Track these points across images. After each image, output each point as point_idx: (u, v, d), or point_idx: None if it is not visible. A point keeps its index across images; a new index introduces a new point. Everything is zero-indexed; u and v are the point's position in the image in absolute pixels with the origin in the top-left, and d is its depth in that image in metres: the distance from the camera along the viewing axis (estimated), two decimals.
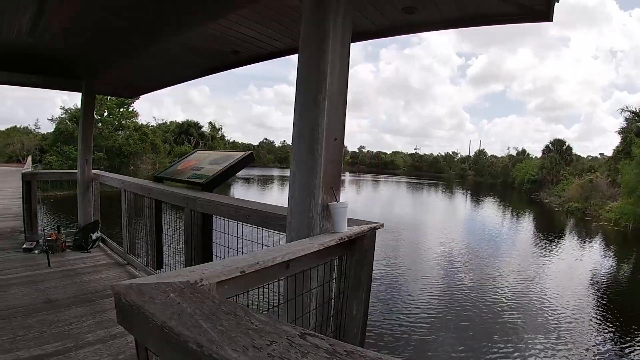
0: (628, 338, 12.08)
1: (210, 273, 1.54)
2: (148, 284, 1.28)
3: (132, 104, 38.52)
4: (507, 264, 20.25)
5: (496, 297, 14.80)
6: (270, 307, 2.39)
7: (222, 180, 4.89)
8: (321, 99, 2.52)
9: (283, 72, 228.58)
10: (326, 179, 2.64)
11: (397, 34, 3.64)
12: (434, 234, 27.63)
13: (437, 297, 14.30)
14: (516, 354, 10.56)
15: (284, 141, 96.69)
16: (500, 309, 13.61)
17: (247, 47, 4.39)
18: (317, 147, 2.56)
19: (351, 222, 2.83)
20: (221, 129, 56.75)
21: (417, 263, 19.20)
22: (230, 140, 60.47)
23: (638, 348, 11.39)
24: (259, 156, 79.27)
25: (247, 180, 52.21)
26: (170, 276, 1.44)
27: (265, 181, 54.56)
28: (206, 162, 5.30)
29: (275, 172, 68.15)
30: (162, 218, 5.40)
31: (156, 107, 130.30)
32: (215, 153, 5.64)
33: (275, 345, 0.92)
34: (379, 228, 2.98)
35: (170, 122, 54.20)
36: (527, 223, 35.96)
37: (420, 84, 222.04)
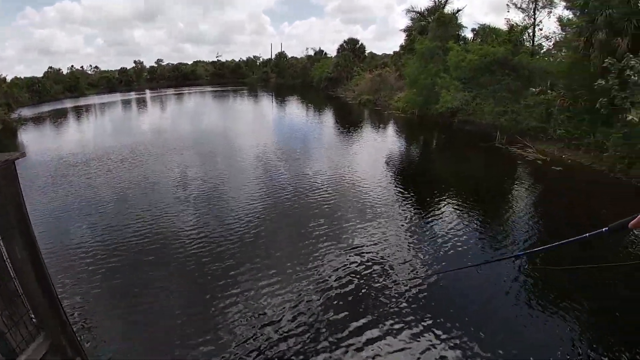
0: (424, 201, 13.29)
1: None
2: None
3: None
4: (316, 156, 20.51)
5: (312, 187, 14.76)
6: None
7: None
8: None
9: None
10: None
11: None
12: (244, 139, 25.99)
13: (258, 197, 13.73)
14: (339, 232, 10.73)
15: (72, 66, 76.65)
16: (318, 197, 13.59)
17: None
18: None
19: None
20: None
21: (230, 170, 17.88)
22: (6, 78, 44.01)
23: (433, 208, 12.51)
24: (45, 89, 60.73)
25: (36, 120, 39.05)
26: None
27: (58, 116, 41.78)
28: None
29: (68, 104, 53.10)
30: None
31: None
32: None
33: None
34: (18, 158, 2.66)
35: None
36: (326, 117, 36.21)
37: None
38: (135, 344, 7.01)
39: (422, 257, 9.44)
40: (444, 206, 12.61)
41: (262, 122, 34.86)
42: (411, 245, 10.05)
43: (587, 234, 2.57)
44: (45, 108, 46.71)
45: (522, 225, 11.22)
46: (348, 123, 31.33)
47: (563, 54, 20.70)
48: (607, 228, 2.28)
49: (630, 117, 14.04)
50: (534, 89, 19.77)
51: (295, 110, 41.66)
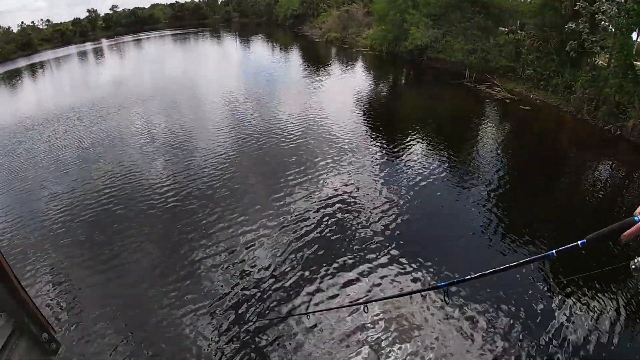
0: (394, 141, 12.89)
1: None
2: None
3: None
4: (284, 99, 19.69)
5: (283, 128, 14.40)
6: None
7: None
8: None
9: None
10: None
11: None
12: (209, 84, 24.56)
13: (227, 146, 13.18)
14: (311, 176, 10.54)
15: (22, 23, 68.67)
16: (289, 140, 13.22)
17: None
18: None
19: None
20: None
21: (196, 119, 16.92)
22: None
23: (403, 149, 12.28)
24: None
25: None
26: None
27: (11, 78, 37.63)
28: None
29: (22, 63, 47.64)
30: None
31: None
32: None
33: None
34: None
35: None
36: (293, 56, 34.59)
37: None
38: (109, 310, 6.60)
39: (393, 196, 9.35)
40: (413, 147, 12.39)
41: (226, 65, 32.84)
42: (382, 185, 9.95)
43: (554, 251, 1.83)
44: None
45: (490, 166, 11.13)
46: (315, 62, 29.93)
47: None
48: (583, 241, 1.68)
49: (598, 61, 13.86)
50: (503, 28, 19.18)
51: (260, 50, 39.46)
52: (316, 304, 6.22)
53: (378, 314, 5.96)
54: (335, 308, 6.22)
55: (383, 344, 5.52)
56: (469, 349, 5.46)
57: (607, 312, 5.90)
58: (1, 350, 2.33)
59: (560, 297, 6.25)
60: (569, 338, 5.52)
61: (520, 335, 5.56)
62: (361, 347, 5.46)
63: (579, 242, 1.67)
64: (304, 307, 6.20)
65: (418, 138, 13.09)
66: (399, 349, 5.46)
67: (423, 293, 6.46)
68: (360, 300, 6.22)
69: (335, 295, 6.36)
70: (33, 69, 42.25)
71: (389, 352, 5.41)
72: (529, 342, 5.49)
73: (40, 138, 16.10)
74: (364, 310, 5.04)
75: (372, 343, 5.54)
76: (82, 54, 50.65)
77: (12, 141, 16.21)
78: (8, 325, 2.65)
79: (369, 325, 5.82)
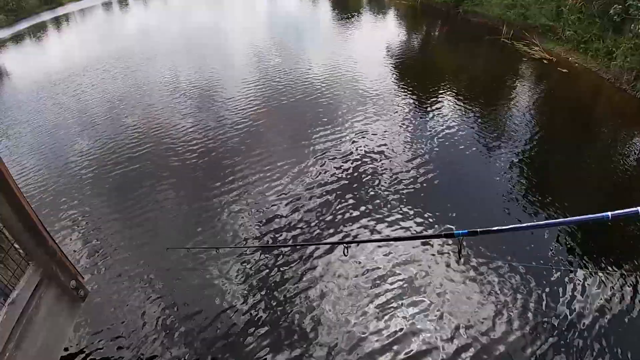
0: (424, 97, 13.20)
1: None
2: None
3: None
4: (313, 49, 19.66)
5: (312, 81, 14.65)
6: None
7: None
8: None
9: None
10: None
11: None
12: (236, 35, 24.68)
13: (255, 97, 13.73)
14: (338, 126, 11.13)
15: None
16: (316, 92, 13.63)
17: None
18: None
19: None
20: None
21: (224, 70, 17.39)
22: None
23: (433, 102, 12.70)
24: (20, 5, 52.80)
25: (15, 39, 34.83)
26: None
27: (36, 32, 37.25)
28: None
29: (47, 17, 45.68)
30: None
31: None
32: None
33: None
34: None
35: None
36: (322, 5, 33.40)
37: None
38: (137, 258, 6.98)
39: (421, 152, 9.75)
40: (445, 104, 12.54)
41: (254, 15, 32.16)
42: (411, 141, 10.27)
43: (610, 213, 1.53)
44: (24, 25, 42.09)
45: (523, 128, 11.21)
46: (345, 11, 28.94)
47: None
48: None
49: None
50: None
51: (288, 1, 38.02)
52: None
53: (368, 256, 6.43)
54: (306, 244, 6.77)
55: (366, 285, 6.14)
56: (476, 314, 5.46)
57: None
58: (30, 298, 2.57)
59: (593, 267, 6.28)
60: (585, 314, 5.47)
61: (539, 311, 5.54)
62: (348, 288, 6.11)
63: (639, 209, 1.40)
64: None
65: (450, 95, 13.29)
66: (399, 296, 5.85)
67: (432, 240, 6.30)
68: (346, 240, 6.58)
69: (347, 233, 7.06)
70: (58, 21, 41.64)
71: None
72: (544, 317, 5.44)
73: (67, 92, 16.62)
74: (344, 253, 4.63)
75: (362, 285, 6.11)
76: (107, 5, 49.32)
77: (40, 96, 16.81)
78: (36, 273, 2.78)
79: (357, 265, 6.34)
